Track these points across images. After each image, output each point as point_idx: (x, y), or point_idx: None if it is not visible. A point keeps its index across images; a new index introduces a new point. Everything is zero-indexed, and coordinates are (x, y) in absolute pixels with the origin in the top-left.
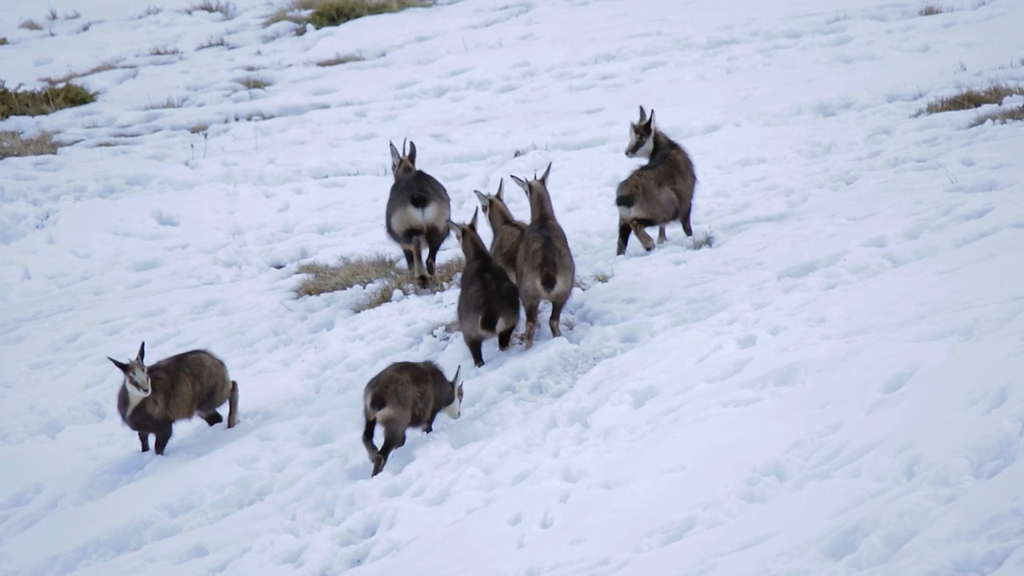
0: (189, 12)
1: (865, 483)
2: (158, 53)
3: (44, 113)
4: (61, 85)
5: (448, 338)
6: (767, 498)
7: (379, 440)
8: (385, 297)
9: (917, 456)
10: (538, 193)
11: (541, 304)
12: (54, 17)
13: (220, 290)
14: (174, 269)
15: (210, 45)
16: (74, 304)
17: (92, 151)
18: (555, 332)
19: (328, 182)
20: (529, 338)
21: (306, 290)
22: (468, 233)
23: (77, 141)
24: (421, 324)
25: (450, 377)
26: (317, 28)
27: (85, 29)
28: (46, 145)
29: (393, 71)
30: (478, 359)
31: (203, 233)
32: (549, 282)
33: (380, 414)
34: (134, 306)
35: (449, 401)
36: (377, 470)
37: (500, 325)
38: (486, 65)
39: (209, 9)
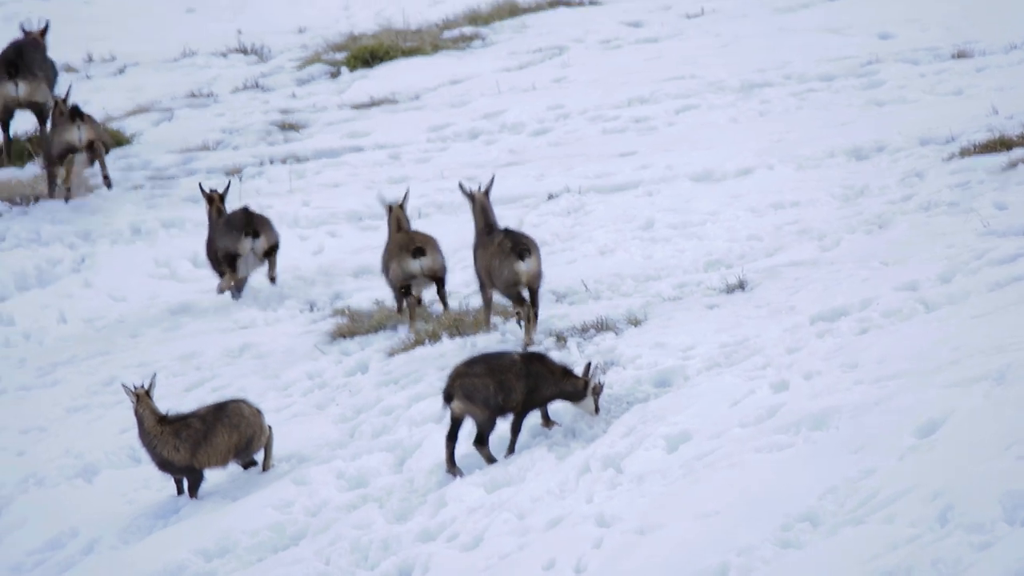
0: (224, 55)
1: (899, 529)
2: (194, 96)
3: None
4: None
5: None
6: (801, 544)
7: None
8: (419, 341)
9: (951, 502)
10: (481, 204)
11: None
12: (91, 60)
13: (255, 333)
14: (205, 311)
15: (245, 88)
16: (110, 348)
17: (128, 194)
18: (534, 321)
19: (363, 225)
20: (522, 318)
21: (340, 333)
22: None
23: (113, 184)
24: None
25: (578, 371)
26: (351, 71)
27: (121, 72)
28: (83, 188)
29: (427, 114)
30: (401, 307)
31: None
32: (523, 255)
33: (451, 408)
34: (169, 349)
35: (575, 395)
36: (489, 461)
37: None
38: (519, 108)
39: (244, 52)
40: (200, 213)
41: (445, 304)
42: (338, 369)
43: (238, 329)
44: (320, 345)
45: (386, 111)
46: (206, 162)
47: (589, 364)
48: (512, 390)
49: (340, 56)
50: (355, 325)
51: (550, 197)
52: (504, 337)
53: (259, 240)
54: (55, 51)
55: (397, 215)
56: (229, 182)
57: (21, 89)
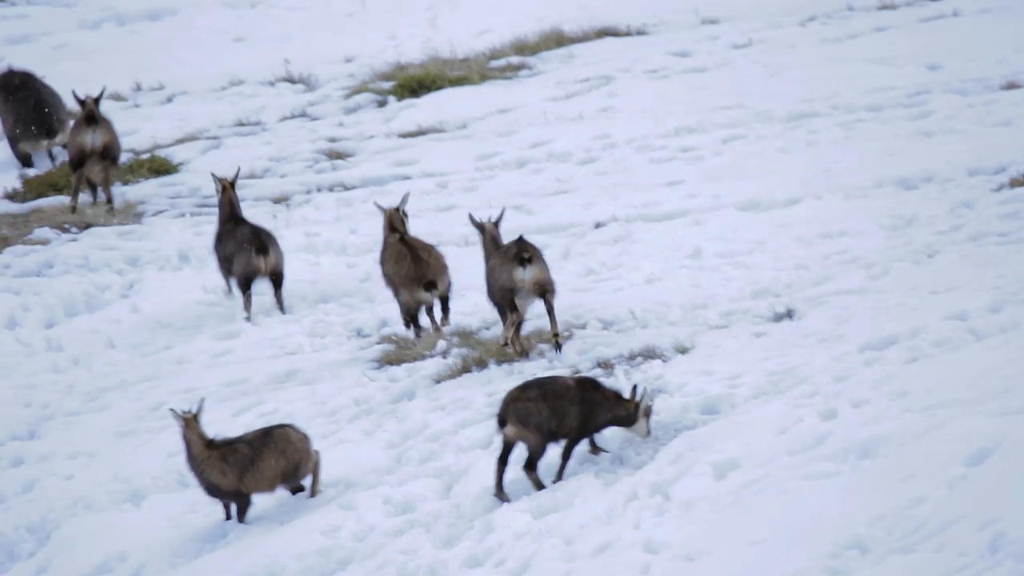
0: (272, 84)
1: (948, 558)
2: (241, 124)
3: (129, 183)
4: (146, 156)
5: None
6: (849, 572)
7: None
8: (466, 367)
9: (1001, 531)
10: (491, 235)
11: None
12: (139, 89)
13: (302, 359)
14: (256, 339)
15: (292, 116)
16: (157, 373)
17: (175, 221)
18: (559, 340)
19: None
20: (515, 328)
21: (387, 360)
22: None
23: (161, 211)
24: (502, 395)
25: (626, 395)
26: (399, 100)
27: (169, 100)
28: (131, 215)
29: (474, 143)
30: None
31: (285, 302)
32: (524, 262)
33: (504, 432)
34: (216, 375)
35: (627, 419)
36: (538, 487)
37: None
38: (567, 137)
39: (292, 81)
40: None
41: (445, 316)
42: (385, 395)
43: (285, 355)
44: (367, 371)
45: (433, 140)
46: (253, 190)
47: (636, 387)
48: (566, 416)
49: (387, 85)
50: (402, 352)
51: (597, 226)
52: (552, 364)
53: (269, 258)
54: (105, 78)
55: (391, 216)
56: (239, 168)
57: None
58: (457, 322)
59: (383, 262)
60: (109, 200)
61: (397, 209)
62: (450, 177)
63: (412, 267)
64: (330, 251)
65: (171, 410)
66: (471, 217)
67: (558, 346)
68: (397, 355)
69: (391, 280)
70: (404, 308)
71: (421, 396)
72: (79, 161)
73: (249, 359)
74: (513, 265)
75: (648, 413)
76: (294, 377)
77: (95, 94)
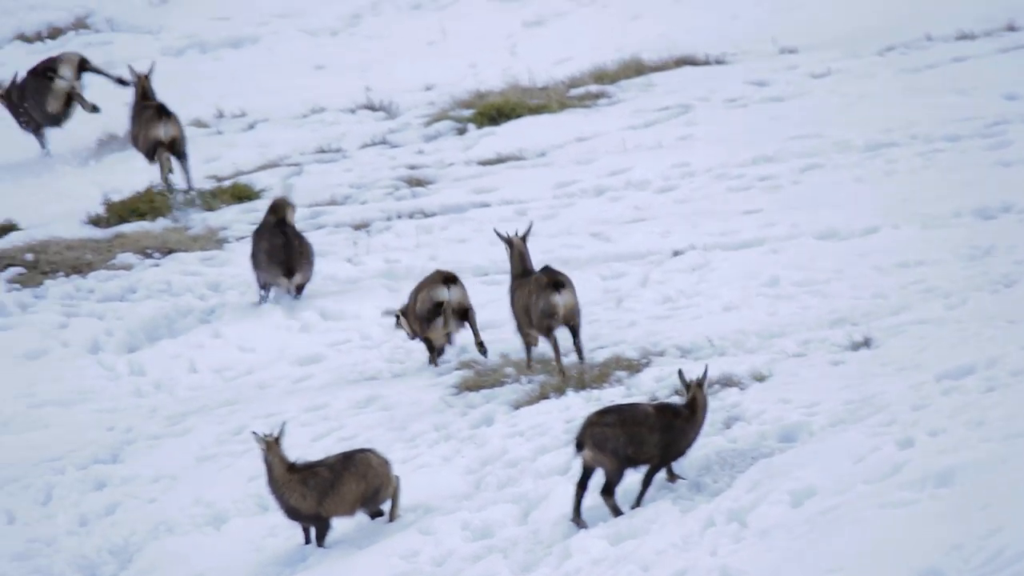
0: (353, 111)
1: None
2: (322, 151)
3: (211, 209)
4: (228, 182)
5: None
6: None
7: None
8: (544, 394)
9: None
10: (519, 249)
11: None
12: (221, 116)
13: (382, 385)
14: (337, 364)
15: (373, 144)
16: (238, 398)
17: None
18: (581, 354)
19: (488, 280)
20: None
21: (466, 386)
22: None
23: (243, 237)
24: (581, 421)
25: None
26: (478, 128)
27: (251, 128)
28: (212, 241)
29: (553, 170)
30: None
31: (365, 328)
32: (559, 288)
33: (582, 457)
34: (297, 400)
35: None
36: (615, 513)
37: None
38: (645, 165)
39: (373, 108)
40: (330, 265)
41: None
42: (464, 421)
43: (365, 381)
44: (446, 397)
45: (512, 167)
46: (334, 216)
47: (680, 372)
48: (644, 442)
49: (467, 113)
50: (481, 378)
51: (675, 254)
52: (630, 391)
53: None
54: (188, 107)
55: (517, 251)
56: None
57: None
58: (535, 348)
59: (516, 298)
60: (189, 187)
61: (523, 238)
62: (529, 205)
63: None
64: (410, 277)
65: (253, 433)
66: (497, 231)
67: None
68: (476, 381)
69: (524, 307)
70: (539, 320)
71: (500, 422)
72: (151, 153)
73: (329, 384)
74: (549, 292)
75: (701, 386)
76: (374, 402)
77: (145, 70)
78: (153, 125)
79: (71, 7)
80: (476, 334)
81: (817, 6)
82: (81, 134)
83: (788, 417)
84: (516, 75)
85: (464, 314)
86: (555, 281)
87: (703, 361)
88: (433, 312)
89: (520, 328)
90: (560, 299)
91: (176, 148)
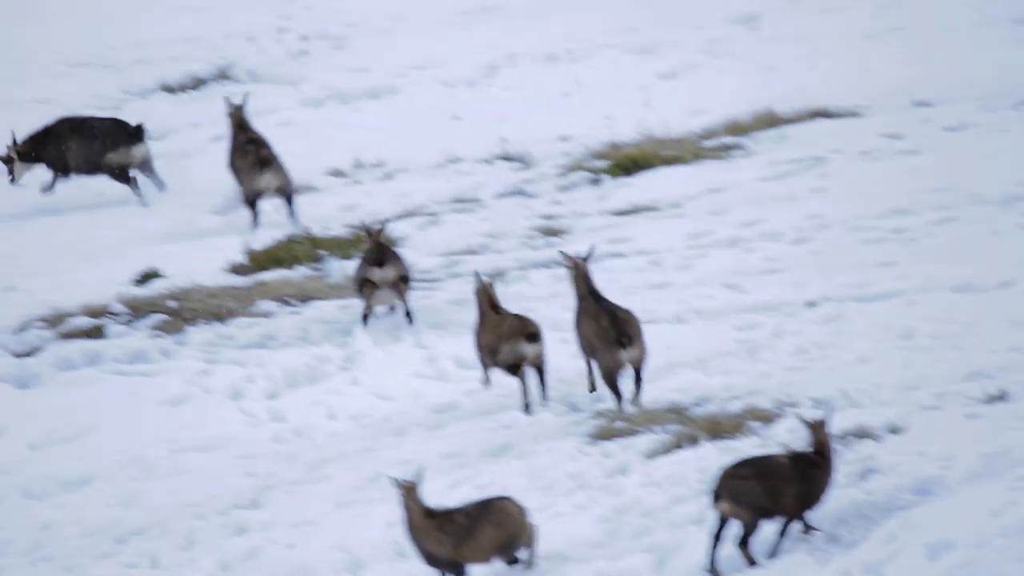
0: (489, 161)
1: None
2: (458, 201)
3: (348, 258)
4: (362, 231)
5: None
6: None
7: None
8: (679, 444)
9: None
10: (583, 272)
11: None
12: (359, 166)
13: (518, 433)
14: (472, 411)
15: (509, 194)
16: (376, 445)
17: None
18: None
19: None
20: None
21: (601, 435)
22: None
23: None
24: (716, 471)
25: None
26: (613, 178)
27: (389, 177)
28: (350, 289)
29: (687, 221)
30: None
31: (501, 377)
32: (625, 344)
33: (718, 508)
34: (434, 447)
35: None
36: (750, 563)
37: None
38: (779, 217)
39: (508, 159)
40: (466, 314)
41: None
42: (599, 470)
43: (501, 428)
44: (582, 446)
45: (646, 218)
46: (470, 265)
47: (799, 415)
48: (780, 494)
49: (602, 164)
50: (615, 427)
51: (809, 305)
52: (764, 442)
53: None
54: (326, 157)
55: (580, 272)
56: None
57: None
58: (670, 398)
59: (580, 322)
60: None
61: (585, 259)
62: (663, 255)
63: (611, 327)
64: (545, 327)
65: (391, 478)
66: (561, 253)
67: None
68: (611, 430)
69: (589, 342)
70: (604, 372)
71: (635, 471)
72: (253, 202)
73: (465, 432)
74: (616, 349)
75: (822, 426)
76: (510, 450)
77: (238, 101)
78: (255, 176)
79: (213, 58)
80: (544, 387)
81: (951, 60)
82: (223, 183)
83: (924, 470)
84: (650, 126)
85: (538, 367)
86: (622, 337)
87: (838, 412)
88: (514, 368)
89: (583, 352)
90: (626, 355)
91: (284, 193)
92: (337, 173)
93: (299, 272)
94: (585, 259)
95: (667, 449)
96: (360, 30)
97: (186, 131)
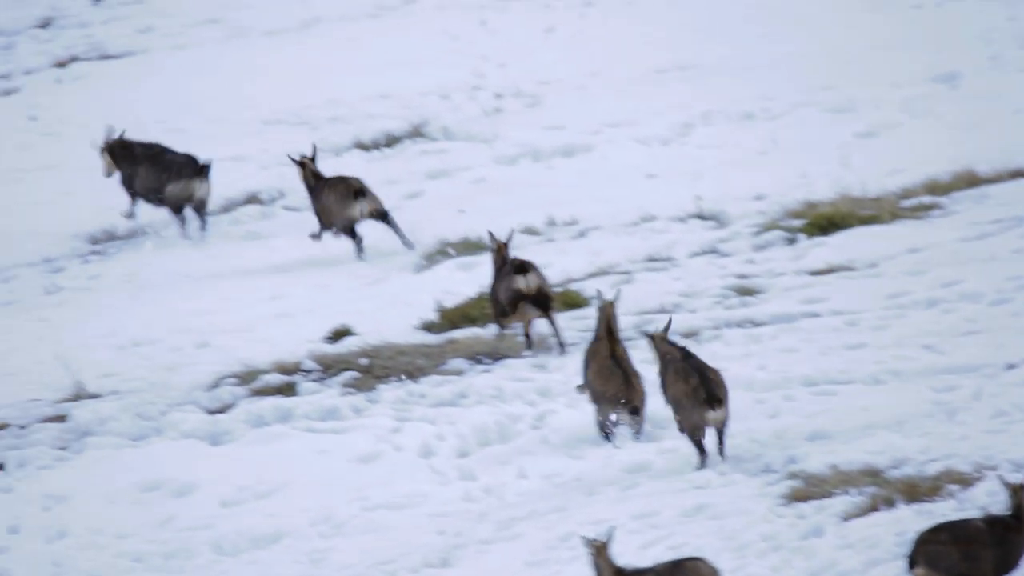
0: (683, 220)
1: None
2: (652, 260)
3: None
4: (558, 289)
5: None
6: None
7: None
8: (874, 506)
9: None
10: (608, 314)
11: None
12: (553, 224)
13: (710, 494)
14: (665, 471)
15: (703, 252)
16: (567, 504)
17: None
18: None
19: (819, 390)
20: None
21: (795, 496)
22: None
23: (573, 344)
24: (912, 535)
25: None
26: (809, 238)
27: (582, 235)
28: (542, 347)
29: (884, 281)
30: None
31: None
32: (714, 405)
33: (914, 574)
34: (626, 508)
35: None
36: None
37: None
38: (978, 277)
39: (702, 217)
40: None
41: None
42: (793, 532)
43: (693, 489)
44: (775, 507)
45: (843, 278)
46: (662, 324)
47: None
48: (977, 559)
49: (797, 223)
50: (810, 489)
51: (1009, 367)
52: (962, 505)
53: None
54: (519, 214)
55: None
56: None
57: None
58: (865, 460)
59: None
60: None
61: (612, 303)
62: (859, 315)
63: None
64: (738, 387)
65: (582, 537)
66: (599, 291)
67: None
68: (805, 491)
69: (675, 399)
70: (689, 430)
71: (830, 533)
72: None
73: (657, 492)
74: (705, 409)
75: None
76: (703, 511)
77: (308, 153)
78: (347, 204)
79: (408, 116)
80: (722, 447)
81: None
82: (415, 239)
83: None
84: (847, 185)
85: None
86: (713, 397)
87: None
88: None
89: (591, 396)
90: (713, 416)
91: (382, 218)
92: (530, 231)
93: (490, 330)
94: (613, 302)
95: (862, 511)
96: (554, 88)
97: (380, 188)
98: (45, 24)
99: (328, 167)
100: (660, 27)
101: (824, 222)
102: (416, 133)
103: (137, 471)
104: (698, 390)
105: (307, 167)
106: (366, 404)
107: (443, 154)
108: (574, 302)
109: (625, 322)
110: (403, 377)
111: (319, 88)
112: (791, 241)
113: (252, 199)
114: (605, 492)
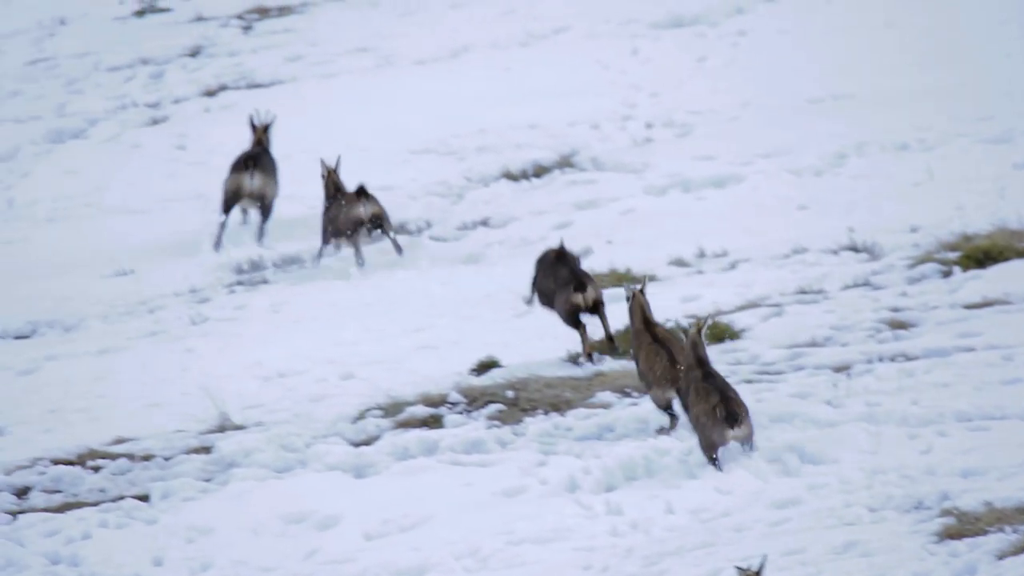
0: (835, 252)
1: None
2: (803, 292)
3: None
4: (708, 322)
5: None
6: None
7: None
8: None
9: None
10: (640, 303)
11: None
12: (702, 255)
13: (861, 531)
14: (815, 508)
15: (855, 285)
16: (715, 540)
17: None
18: None
19: (973, 425)
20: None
21: (948, 534)
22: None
23: (727, 376)
24: None
25: None
26: (964, 270)
27: (732, 267)
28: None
29: None
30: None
31: (845, 472)
32: (733, 424)
33: None
34: (775, 544)
35: None
36: None
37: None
38: None
39: (855, 250)
40: (810, 408)
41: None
42: (945, 570)
43: (843, 526)
44: (927, 545)
45: (999, 312)
46: (814, 358)
47: None
48: None
49: (952, 255)
50: (963, 527)
51: None
52: None
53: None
54: (668, 246)
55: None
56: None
57: (256, 181)
58: (1020, 498)
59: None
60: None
61: (642, 291)
62: (1016, 350)
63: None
64: (890, 422)
65: (736, 568)
66: (625, 285)
67: None
68: (958, 529)
69: (697, 419)
70: (706, 446)
71: (983, 572)
72: (354, 230)
73: (807, 528)
74: (724, 426)
75: None
76: (853, 548)
77: (334, 164)
78: (352, 205)
79: (557, 146)
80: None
81: None
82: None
83: None
84: (1004, 217)
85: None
86: (733, 416)
87: None
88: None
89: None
90: (732, 434)
91: (382, 226)
92: (679, 263)
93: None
94: (642, 290)
95: (1017, 550)
96: (705, 118)
97: (528, 219)
98: (195, 52)
99: (477, 197)
100: (814, 56)
101: (980, 255)
102: (565, 163)
103: (281, 503)
104: (719, 409)
105: (332, 176)
106: (512, 437)
107: (592, 184)
108: (723, 335)
109: (774, 355)
110: (549, 410)
111: (468, 117)
112: (946, 274)
113: (400, 229)
114: (753, 528)
